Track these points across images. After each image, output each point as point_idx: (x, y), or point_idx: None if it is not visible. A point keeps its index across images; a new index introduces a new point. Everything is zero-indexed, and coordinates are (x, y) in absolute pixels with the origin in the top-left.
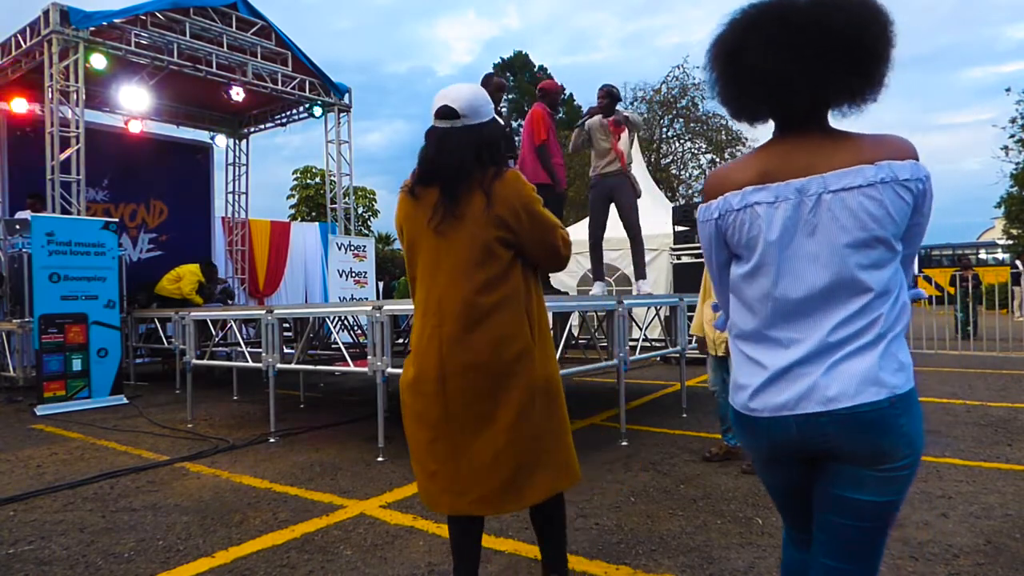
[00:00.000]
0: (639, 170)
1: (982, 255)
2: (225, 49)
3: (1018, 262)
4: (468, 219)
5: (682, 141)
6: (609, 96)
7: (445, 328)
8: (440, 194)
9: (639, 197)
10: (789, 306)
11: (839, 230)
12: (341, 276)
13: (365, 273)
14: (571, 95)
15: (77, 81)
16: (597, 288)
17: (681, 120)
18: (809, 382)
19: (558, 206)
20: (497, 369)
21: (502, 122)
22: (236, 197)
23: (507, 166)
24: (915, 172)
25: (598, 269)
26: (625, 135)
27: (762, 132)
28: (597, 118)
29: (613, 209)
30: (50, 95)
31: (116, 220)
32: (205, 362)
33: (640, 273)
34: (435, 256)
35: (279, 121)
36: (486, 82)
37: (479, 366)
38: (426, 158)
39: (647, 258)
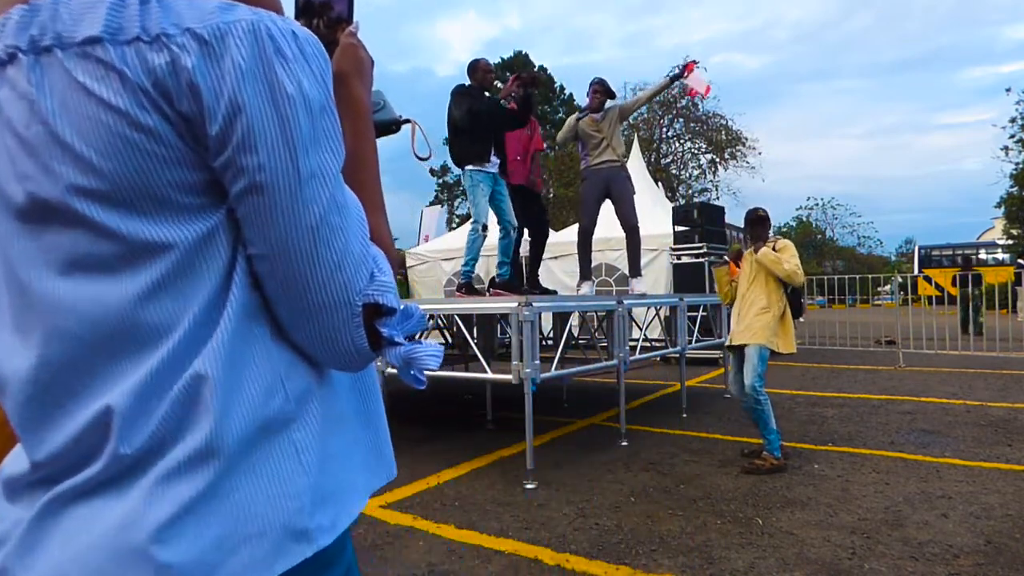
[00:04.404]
0: (639, 169)
1: (982, 255)
2: None
3: (1020, 260)
4: None
5: (682, 141)
6: (603, 88)
7: None
8: None
9: (634, 193)
10: None
11: None
12: None
13: None
14: (571, 95)
15: None
16: (585, 288)
17: (681, 120)
18: (3, 555)
19: (544, 211)
20: None
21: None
22: None
23: None
24: (137, 22)
25: (586, 268)
26: (610, 122)
27: (762, 133)
28: (588, 116)
29: (607, 206)
30: None
31: None
32: None
33: (635, 271)
34: None
35: None
36: (472, 67)
37: None
38: None
39: (647, 258)
